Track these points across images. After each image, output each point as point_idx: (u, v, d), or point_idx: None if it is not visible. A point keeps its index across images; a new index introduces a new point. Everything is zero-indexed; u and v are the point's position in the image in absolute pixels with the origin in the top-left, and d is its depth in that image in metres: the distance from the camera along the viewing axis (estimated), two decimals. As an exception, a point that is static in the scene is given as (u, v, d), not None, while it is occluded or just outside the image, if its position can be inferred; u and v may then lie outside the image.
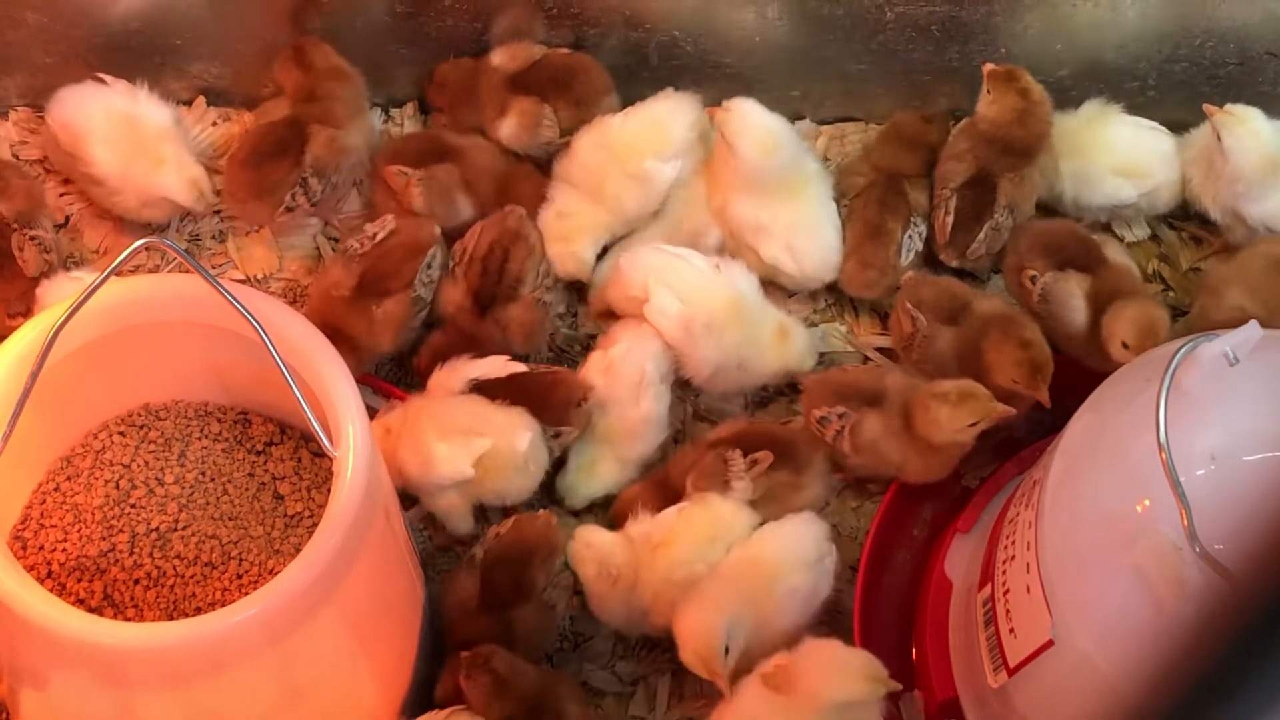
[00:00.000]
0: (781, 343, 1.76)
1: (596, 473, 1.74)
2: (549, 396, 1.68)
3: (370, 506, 1.37)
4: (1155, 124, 1.87)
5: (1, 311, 1.76)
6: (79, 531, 1.49)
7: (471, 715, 1.51)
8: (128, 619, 1.44)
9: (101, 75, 1.86)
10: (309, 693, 1.42)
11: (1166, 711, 0.82)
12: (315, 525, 1.40)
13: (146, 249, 1.60)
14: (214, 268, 1.89)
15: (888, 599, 1.69)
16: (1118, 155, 1.85)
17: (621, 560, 1.61)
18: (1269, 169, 1.79)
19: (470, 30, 1.89)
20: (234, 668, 1.35)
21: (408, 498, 1.68)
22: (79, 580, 1.46)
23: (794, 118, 1.91)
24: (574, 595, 1.65)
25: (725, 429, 1.72)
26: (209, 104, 1.98)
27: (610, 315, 1.81)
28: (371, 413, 1.65)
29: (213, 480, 1.52)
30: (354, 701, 1.49)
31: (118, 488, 1.51)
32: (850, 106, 1.97)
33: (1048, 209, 1.88)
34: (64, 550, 1.48)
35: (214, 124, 1.97)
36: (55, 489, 1.51)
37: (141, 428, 1.55)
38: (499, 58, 1.89)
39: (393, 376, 1.82)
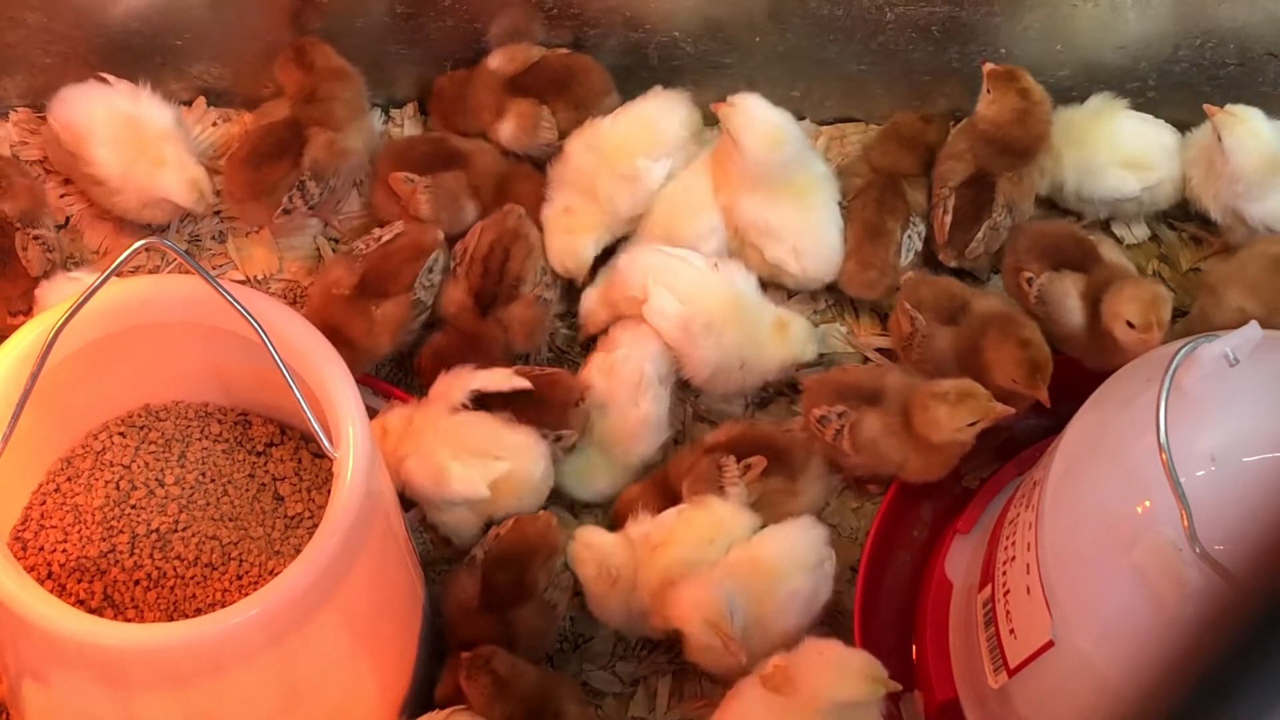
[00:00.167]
0: (781, 335, 1.76)
1: (595, 474, 1.74)
2: (546, 398, 1.68)
3: (370, 507, 1.37)
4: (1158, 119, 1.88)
5: (3, 310, 1.77)
6: (79, 532, 1.49)
7: (471, 715, 1.51)
8: (128, 620, 1.44)
9: (104, 75, 1.86)
10: (309, 693, 1.42)
11: (1167, 712, 0.82)
12: (315, 526, 1.40)
13: (146, 250, 1.60)
14: (214, 268, 1.89)
15: (888, 600, 1.69)
16: (1121, 148, 1.85)
17: (620, 561, 1.61)
18: (1269, 169, 1.79)
19: (470, 31, 1.89)
20: (234, 669, 1.35)
21: (408, 499, 1.68)
22: (79, 581, 1.46)
23: (794, 118, 1.90)
24: (574, 596, 1.65)
25: (722, 432, 1.72)
26: (209, 104, 1.98)
27: (595, 337, 1.81)
28: (371, 413, 1.65)
29: (213, 481, 1.52)
30: (354, 702, 1.49)
31: (118, 488, 1.51)
32: (850, 107, 1.97)
33: (1049, 202, 1.89)
34: (64, 551, 1.48)
35: (214, 124, 1.97)
36: (55, 490, 1.51)
37: (142, 428, 1.55)
38: (497, 60, 1.89)
39: (393, 377, 1.82)
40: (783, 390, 1.82)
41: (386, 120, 1.98)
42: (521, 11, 1.88)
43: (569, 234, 1.81)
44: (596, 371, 1.74)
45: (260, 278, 1.89)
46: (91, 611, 1.43)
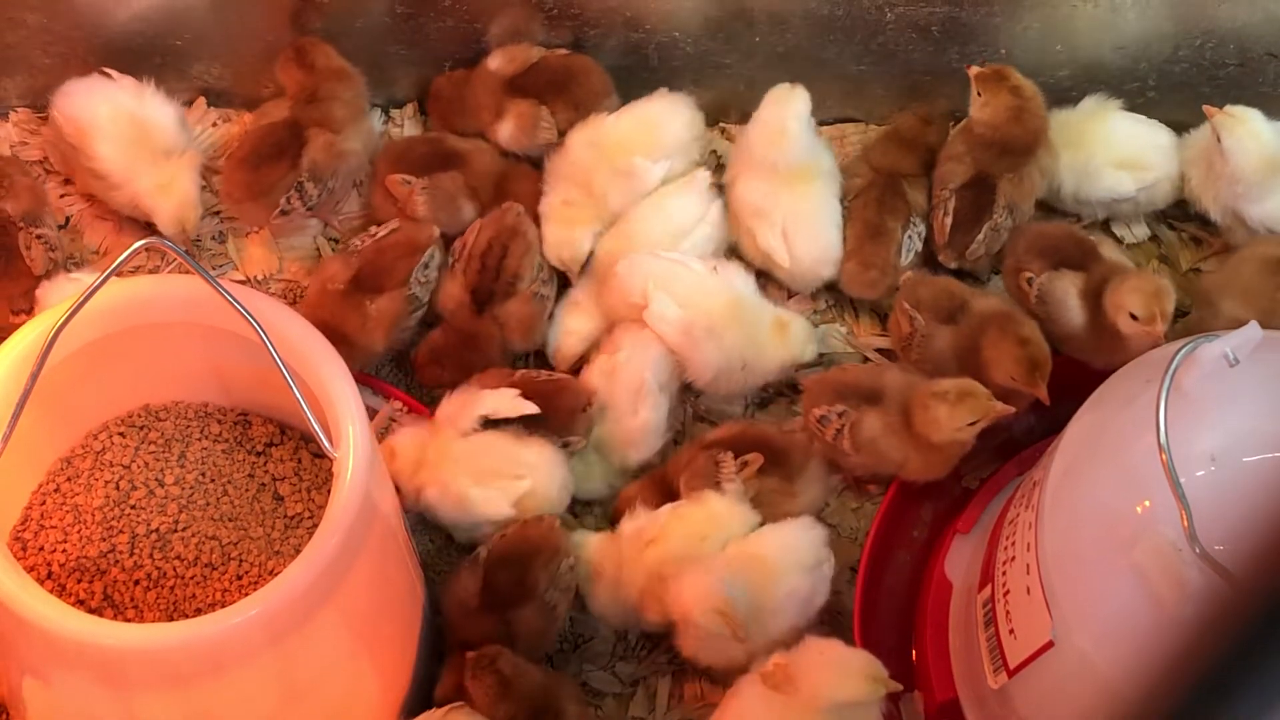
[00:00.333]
0: (781, 335, 1.76)
1: (593, 475, 1.74)
2: (554, 404, 1.69)
3: (370, 507, 1.37)
4: (1153, 119, 1.88)
5: (5, 308, 1.76)
6: (79, 532, 1.49)
7: (470, 713, 1.51)
8: (128, 620, 1.44)
9: (108, 70, 1.86)
10: (309, 693, 1.42)
11: (1167, 712, 0.82)
12: (315, 526, 1.40)
13: (146, 250, 1.60)
14: (214, 268, 1.89)
15: (888, 600, 1.69)
16: (1117, 148, 1.85)
17: (594, 554, 1.62)
18: (1269, 170, 1.79)
19: (470, 31, 1.89)
20: (234, 669, 1.35)
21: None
22: (79, 581, 1.46)
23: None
24: (575, 596, 1.66)
25: (721, 430, 1.72)
26: (209, 105, 1.98)
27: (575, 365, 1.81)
28: (371, 413, 1.65)
29: (213, 481, 1.52)
30: (354, 702, 1.49)
31: (118, 488, 1.51)
32: (850, 107, 1.97)
33: (1047, 205, 1.89)
34: (64, 551, 1.48)
35: (214, 125, 1.97)
36: (55, 490, 1.51)
37: (142, 428, 1.55)
38: (497, 61, 1.89)
39: (393, 377, 1.82)
40: (783, 390, 1.82)
41: (386, 121, 1.98)
42: (521, 12, 1.88)
43: (567, 226, 1.82)
44: (598, 374, 1.74)
45: (260, 278, 1.89)
46: (91, 611, 1.43)
